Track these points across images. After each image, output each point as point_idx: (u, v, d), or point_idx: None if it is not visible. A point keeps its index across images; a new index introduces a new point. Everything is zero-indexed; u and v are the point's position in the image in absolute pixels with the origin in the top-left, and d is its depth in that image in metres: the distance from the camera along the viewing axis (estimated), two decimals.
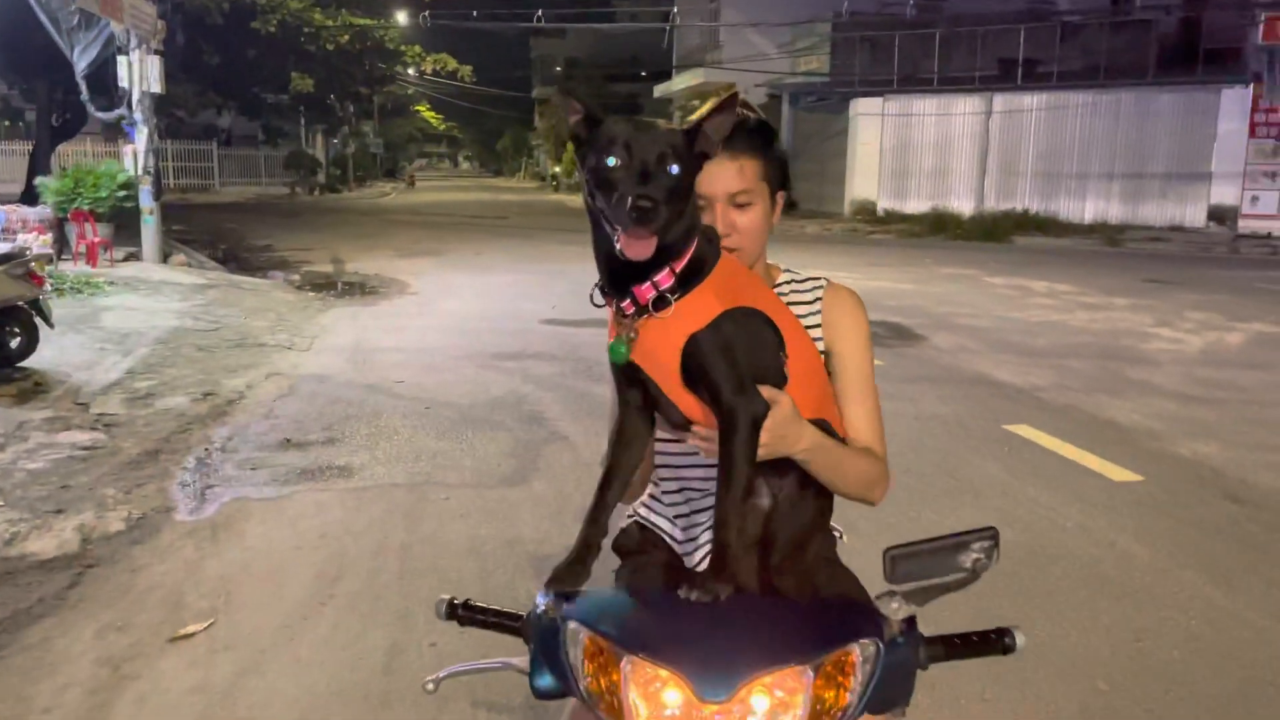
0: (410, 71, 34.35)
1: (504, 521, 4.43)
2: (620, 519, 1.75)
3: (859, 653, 1.17)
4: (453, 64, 28.81)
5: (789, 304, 1.68)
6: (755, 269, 1.67)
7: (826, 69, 28.01)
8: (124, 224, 13.14)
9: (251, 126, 40.33)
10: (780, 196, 1.66)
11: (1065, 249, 20.05)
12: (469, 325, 9.52)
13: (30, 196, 16.36)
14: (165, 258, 12.96)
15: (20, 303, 6.70)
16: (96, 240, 11.94)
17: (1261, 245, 20.01)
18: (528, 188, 53.36)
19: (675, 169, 1.24)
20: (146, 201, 12.60)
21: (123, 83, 12.25)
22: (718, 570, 1.26)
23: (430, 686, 1.34)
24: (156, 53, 12.31)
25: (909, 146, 26.12)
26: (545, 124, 54.45)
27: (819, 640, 1.16)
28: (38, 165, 20.29)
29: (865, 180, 26.51)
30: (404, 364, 7.81)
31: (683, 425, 1.36)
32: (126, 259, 12.57)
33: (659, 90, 37.80)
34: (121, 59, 12.16)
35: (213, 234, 19.58)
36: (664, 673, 1.12)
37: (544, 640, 1.24)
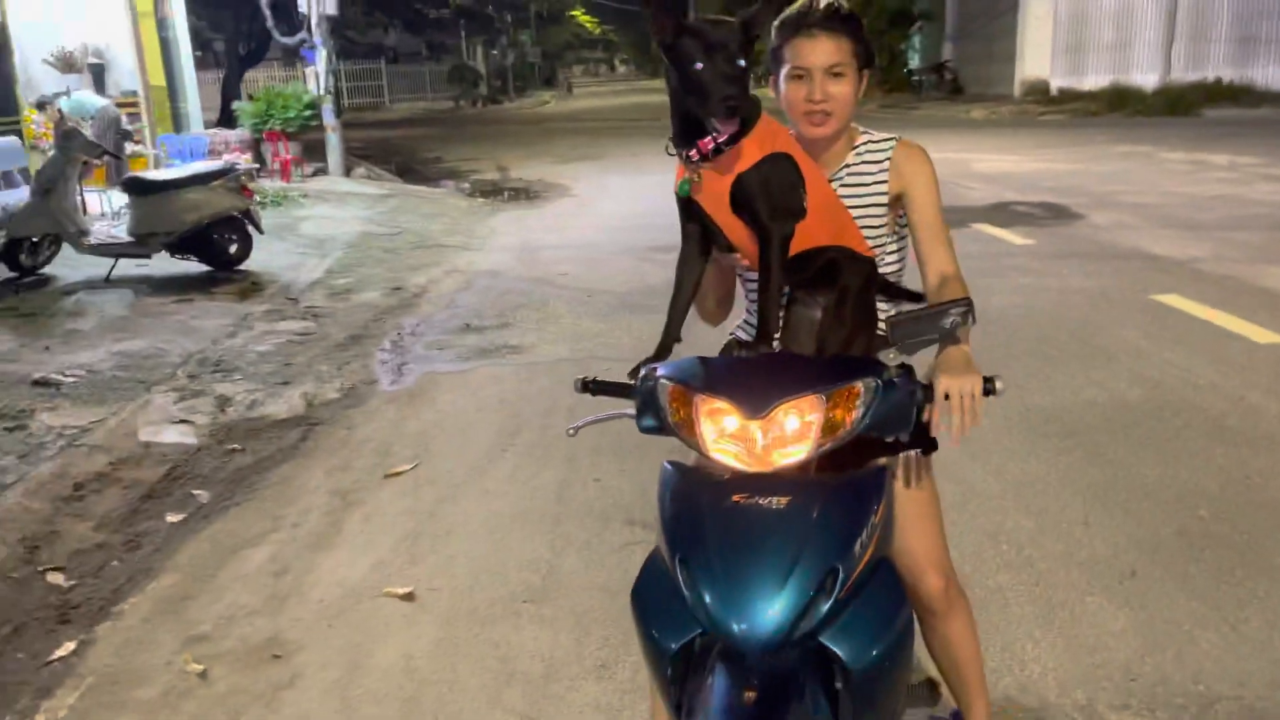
0: None
1: None
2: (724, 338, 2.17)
3: (862, 387, 1.55)
4: None
5: (863, 160, 2.01)
6: (842, 134, 2.00)
7: None
8: (310, 142, 14.27)
9: (415, 43, 41.67)
10: (865, 75, 1.96)
11: (1261, 119, 18.53)
12: (626, 223, 9.99)
13: (226, 120, 17.87)
14: (348, 171, 14.00)
15: (235, 213, 7.63)
16: (289, 158, 13.05)
17: None
18: None
19: (742, 62, 1.59)
20: (329, 119, 13.60)
21: (301, 8, 13.15)
22: (761, 336, 1.68)
23: (571, 432, 1.83)
24: None
25: (1086, 17, 24.46)
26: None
27: (833, 379, 1.56)
28: (230, 91, 22.00)
29: (1037, 58, 25.05)
30: (567, 259, 8.38)
31: (728, 248, 1.75)
32: (315, 174, 13.67)
33: None
34: None
35: (386, 149, 20.68)
36: (722, 404, 1.55)
37: (646, 395, 1.69)
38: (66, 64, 12.32)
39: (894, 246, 2.00)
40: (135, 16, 12.31)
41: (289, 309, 6.85)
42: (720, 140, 1.62)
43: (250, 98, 14.48)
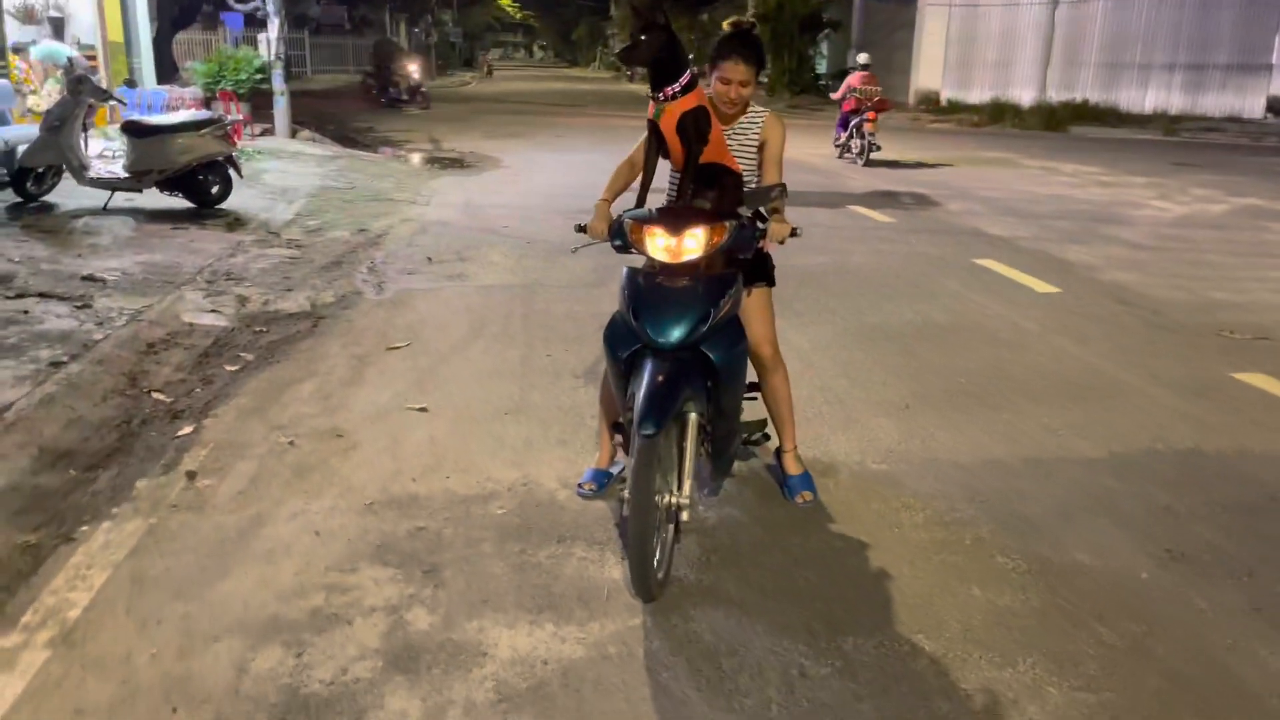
0: None
1: (589, 303, 6.35)
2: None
3: (730, 223, 3.02)
4: None
5: (750, 121, 3.47)
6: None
7: None
8: (254, 104, 15.21)
9: (338, 15, 41.93)
10: (759, 74, 3.41)
11: (1117, 138, 20.93)
12: (556, 191, 11.36)
13: (158, 78, 18.53)
14: (293, 134, 14.99)
15: (220, 158, 8.73)
16: (240, 117, 13.98)
17: None
18: (602, 78, 54.24)
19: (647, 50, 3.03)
20: (279, 84, 14.58)
21: None
22: (679, 198, 3.15)
23: (574, 250, 3.27)
24: None
25: (975, 38, 26.78)
26: (621, 13, 54.70)
27: (715, 219, 3.02)
28: (161, 51, 22.47)
29: (930, 71, 27.31)
30: (506, 216, 9.72)
31: (667, 154, 3.19)
32: (262, 134, 14.63)
33: None
34: None
35: (317, 117, 21.51)
36: (659, 229, 2.99)
37: (617, 228, 3.12)
38: (27, 15, 13.05)
39: (756, 175, 3.48)
40: None
41: (273, 240, 8.04)
42: (676, 90, 3.05)
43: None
